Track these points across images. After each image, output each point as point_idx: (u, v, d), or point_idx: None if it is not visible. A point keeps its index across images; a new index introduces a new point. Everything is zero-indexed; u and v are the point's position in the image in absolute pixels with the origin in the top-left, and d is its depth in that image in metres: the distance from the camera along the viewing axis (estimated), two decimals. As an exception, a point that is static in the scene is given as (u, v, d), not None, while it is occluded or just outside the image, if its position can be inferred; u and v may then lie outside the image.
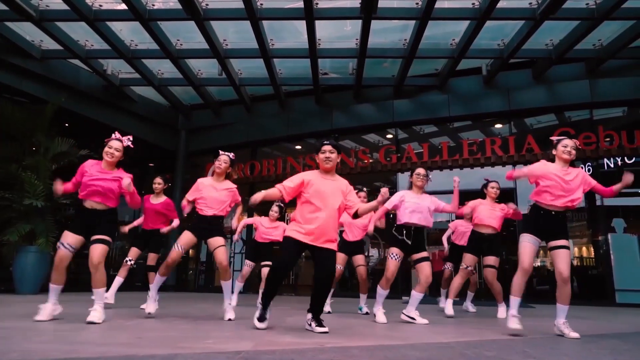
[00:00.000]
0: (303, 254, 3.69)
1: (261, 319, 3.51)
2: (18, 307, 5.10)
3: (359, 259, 5.59)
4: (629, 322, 5.19)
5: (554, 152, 3.91)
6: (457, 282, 5.45)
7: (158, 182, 5.81)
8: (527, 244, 3.65)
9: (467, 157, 9.59)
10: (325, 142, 3.68)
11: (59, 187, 3.83)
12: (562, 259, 3.58)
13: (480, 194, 5.70)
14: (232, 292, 6.44)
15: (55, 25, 8.15)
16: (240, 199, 4.64)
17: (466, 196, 7.48)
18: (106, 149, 3.82)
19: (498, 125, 10.25)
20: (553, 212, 3.69)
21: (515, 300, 3.62)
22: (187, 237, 4.32)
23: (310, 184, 3.59)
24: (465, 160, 9.57)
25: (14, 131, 8.49)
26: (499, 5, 7.09)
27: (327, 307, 5.47)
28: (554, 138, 4.00)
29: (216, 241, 4.33)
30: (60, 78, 9.51)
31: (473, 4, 7.36)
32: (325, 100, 11.04)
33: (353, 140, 11.35)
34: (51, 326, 3.37)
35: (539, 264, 10.30)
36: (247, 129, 11.78)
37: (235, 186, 4.61)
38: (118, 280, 5.47)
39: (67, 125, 10.15)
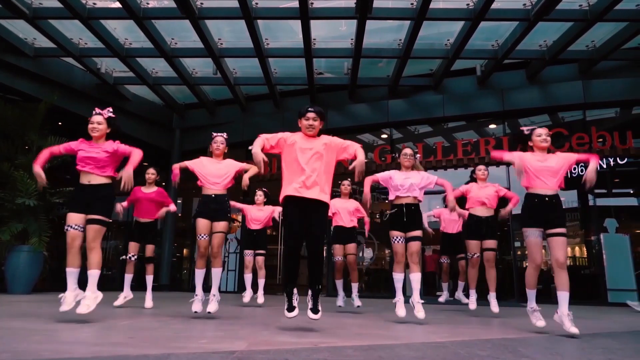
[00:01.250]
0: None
1: (290, 309, 3.42)
2: (10, 307, 5.06)
3: (349, 248, 5.75)
4: (621, 321, 5.23)
5: (530, 143, 3.96)
6: (471, 273, 5.46)
7: (152, 173, 5.78)
8: (534, 239, 3.68)
9: (461, 157, 9.63)
10: (309, 109, 3.64)
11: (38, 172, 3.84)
12: (559, 246, 3.63)
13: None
14: (245, 287, 6.55)
15: (48, 23, 8.09)
16: (245, 165, 4.60)
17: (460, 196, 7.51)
18: (89, 125, 3.86)
19: (492, 126, 10.30)
20: (547, 198, 3.71)
21: (531, 292, 3.75)
22: (203, 224, 4.35)
23: (293, 142, 3.60)
24: (460, 161, 9.62)
25: (6, 129, 8.42)
26: (494, 6, 7.13)
27: (357, 302, 5.58)
28: (524, 129, 4.04)
29: (218, 226, 4.36)
30: (54, 76, 9.44)
31: (467, 4, 7.39)
32: (320, 100, 11.03)
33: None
34: (43, 326, 3.35)
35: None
36: (242, 128, 11.75)
37: (235, 162, 4.65)
38: (128, 277, 5.54)
39: (60, 123, 10.09)
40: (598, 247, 8.70)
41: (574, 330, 3.38)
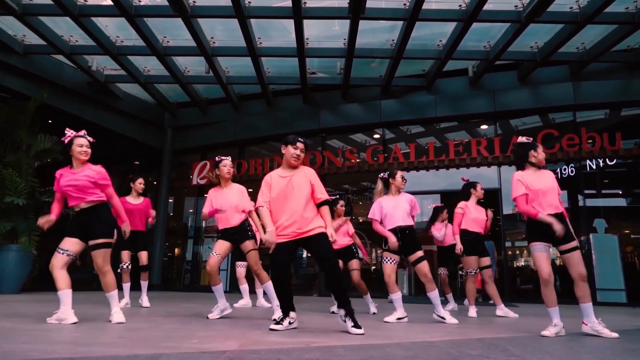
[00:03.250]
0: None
1: (278, 322, 3.50)
2: (-2, 307, 5.00)
3: (353, 264, 5.64)
4: (610, 320, 5.27)
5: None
6: (471, 287, 5.50)
7: (143, 183, 5.78)
8: (541, 253, 3.62)
9: (453, 158, 9.67)
10: (299, 140, 3.68)
11: (48, 218, 3.84)
12: (576, 262, 3.59)
13: (462, 195, 5.76)
14: (242, 296, 6.51)
15: (38, 19, 8.00)
16: (250, 204, 4.57)
17: (452, 197, 7.60)
18: (78, 148, 3.75)
19: (484, 126, 10.36)
20: (552, 214, 3.67)
21: (553, 310, 3.61)
22: (222, 245, 4.42)
23: (272, 187, 3.63)
24: (452, 161, 9.65)
25: (-5, 127, 8.33)
26: (485, 7, 7.16)
27: (372, 309, 5.54)
28: (524, 140, 4.01)
29: (246, 246, 4.43)
30: (44, 74, 9.35)
31: (460, 5, 7.42)
32: (313, 99, 11.04)
33: (340, 140, 11.37)
34: (32, 326, 3.32)
35: (522, 263, 10.45)
36: (235, 127, 11.73)
37: (243, 188, 4.64)
38: (126, 286, 5.58)
39: (50, 121, 9.99)
40: (587, 247, 8.79)
41: (614, 334, 3.42)
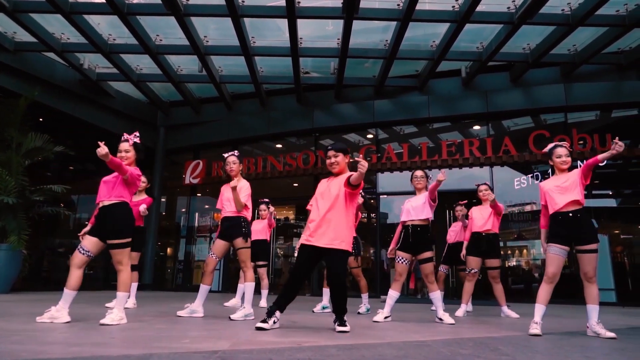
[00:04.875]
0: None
1: (264, 321, 3.46)
2: (-13, 307, 4.94)
3: (349, 262, 5.61)
4: (599, 320, 5.34)
5: (550, 162, 4.04)
6: (468, 287, 5.54)
7: (143, 181, 5.72)
8: (552, 254, 3.71)
9: (446, 158, 9.72)
10: (328, 147, 3.78)
11: None
12: (585, 263, 3.65)
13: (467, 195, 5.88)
14: (235, 295, 6.49)
15: (29, 16, 7.93)
16: (246, 199, 4.48)
17: (446, 196, 7.65)
18: (118, 154, 3.82)
19: (476, 127, 10.42)
20: (570, 214, 3.71)
21: (539, 307, 3.68)
22: (218, 244, 4.45)
23: (317, 189, 3.81)
24: (444, 161, 9.70)
25: (-15, 125, 8.23)
26: (478, 8, 7.21)
27: (362, 308, 5.54)
28: (546, 149, 4.06)
29: (236, 243, 4.43)
30: (35, 71, 9.26)
31: (453, 6, 7.46)
32: (306, 99, 11.03)
33: (334, 140, 11.37)
34: (23, 326, 3.29)
35: (513, 263, 10.51)
36: (228, 127, 11.69)
37: (244, 184, 4.57)
38: (134, 285, 5.55)
39: (41, 120, 9.89)
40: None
41: (610, 334, 3.47)
